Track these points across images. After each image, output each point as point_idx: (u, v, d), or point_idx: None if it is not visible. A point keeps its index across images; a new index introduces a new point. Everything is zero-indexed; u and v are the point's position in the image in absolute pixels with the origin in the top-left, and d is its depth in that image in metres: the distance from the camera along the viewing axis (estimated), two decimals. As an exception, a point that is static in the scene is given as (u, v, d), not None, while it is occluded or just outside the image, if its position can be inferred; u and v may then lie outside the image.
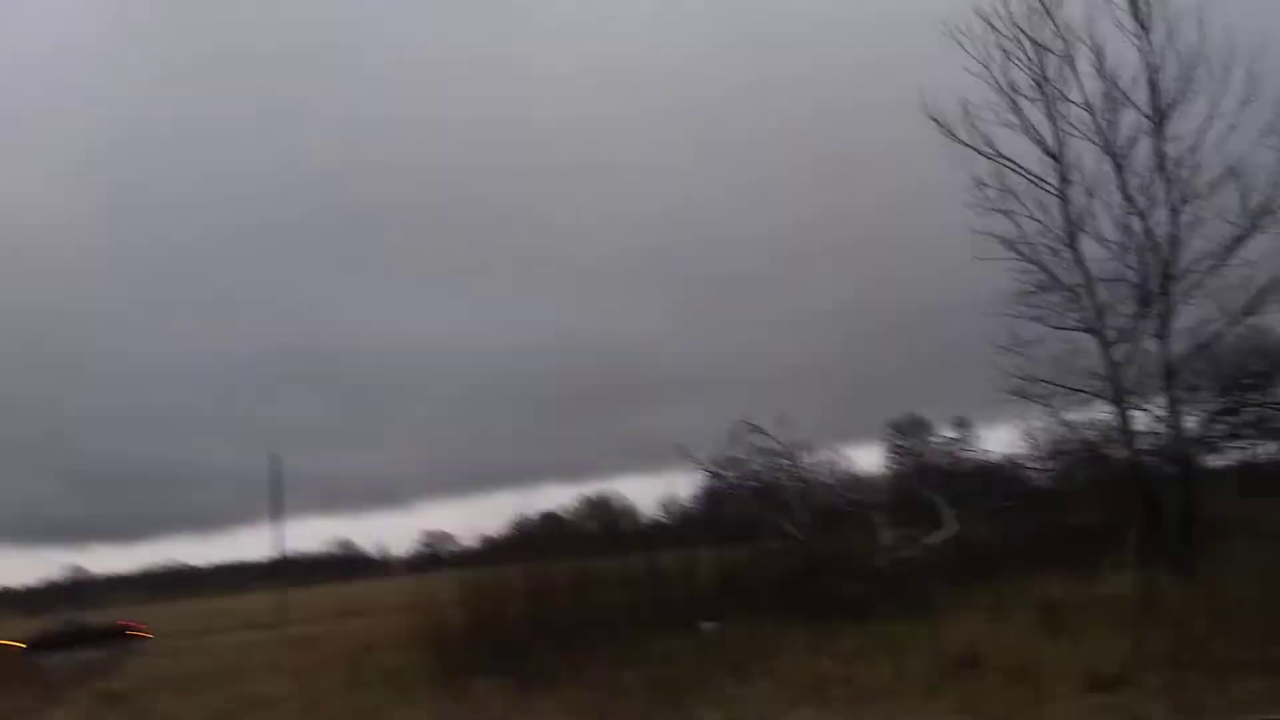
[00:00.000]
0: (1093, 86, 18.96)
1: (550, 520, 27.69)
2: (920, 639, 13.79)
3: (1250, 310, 18.44)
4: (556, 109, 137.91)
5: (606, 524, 27.39)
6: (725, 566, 21.24)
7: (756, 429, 21.41)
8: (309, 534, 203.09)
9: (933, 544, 20.24)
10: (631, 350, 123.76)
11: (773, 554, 20.58)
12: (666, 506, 23.90)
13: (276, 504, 51.87)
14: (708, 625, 18.01)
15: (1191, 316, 18.70)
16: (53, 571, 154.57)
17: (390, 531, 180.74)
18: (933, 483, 23.68)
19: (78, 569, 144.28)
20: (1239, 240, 18.09)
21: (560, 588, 18.22)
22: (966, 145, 19.78)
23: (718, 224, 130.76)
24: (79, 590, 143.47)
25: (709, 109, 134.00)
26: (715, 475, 22.50)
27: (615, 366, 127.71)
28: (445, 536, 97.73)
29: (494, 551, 20.40)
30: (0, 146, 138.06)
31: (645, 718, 10.59)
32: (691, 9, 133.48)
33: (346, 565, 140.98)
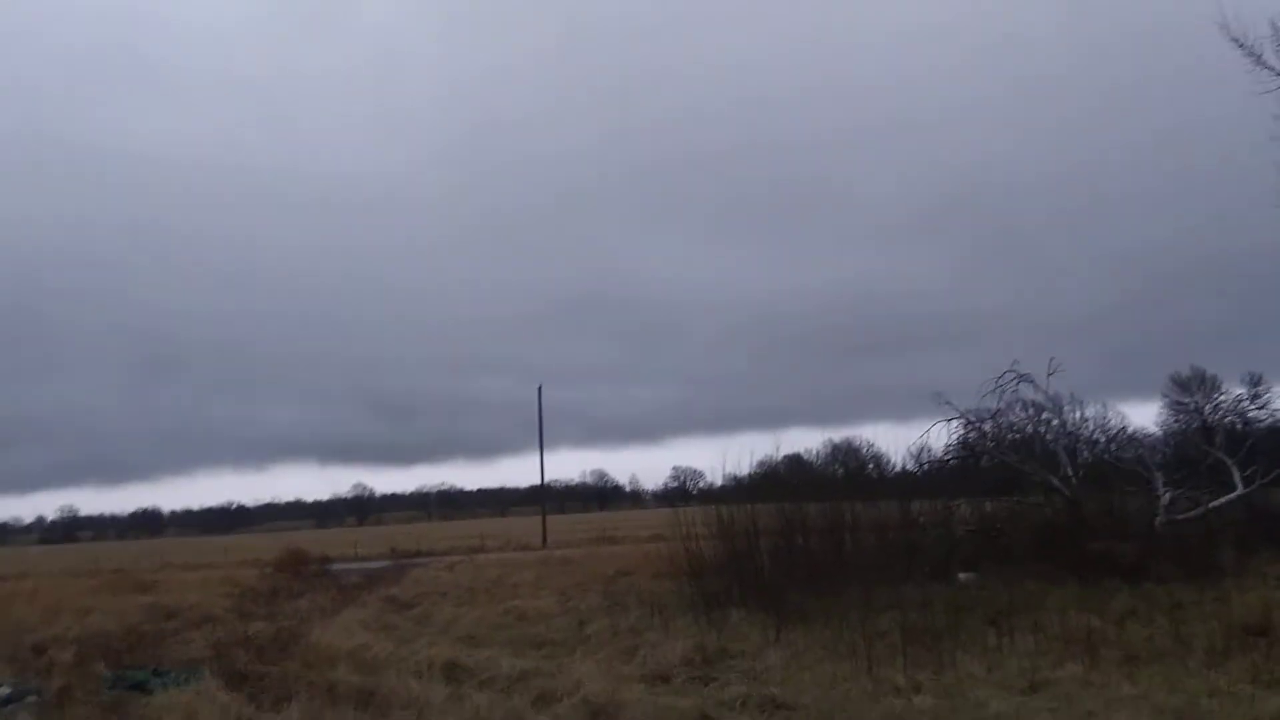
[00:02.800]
0: None
1: (796, 463, 27.69)
2: (1203, 604, 12.99)
3: None
4: (865, 70, 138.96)
5: (854, 470, 27.08)
6: (984, 518, 20.67)
7: (1024, 378, 20.50)
8: (570, 463, 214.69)
9: (1219, 507, 18.79)
10: (903, 302, 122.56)
11: (1036, 508, 19.80)
12: (919, 456, 23.34)
13: (541, 434, 55.10)
14: (965, 575, 17.67)
15: None
16: (343, 487, 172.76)
17: (643, 465, 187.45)
18: (1219, 442, 21.83)
19: (363, 486, 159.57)
20: None
21: (812, 528, 18.33)
22: (1276, 72, 17.82)
23: (1011, 171, 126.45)
24: (363, 505, 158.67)
25: (995, 58, 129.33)
26: (974, 426, 21.77)
27: (884, 317, 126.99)
28: (694, 472, 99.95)
29: (740, 490, 20.65)
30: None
31: (905, 661, 10.57)
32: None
33: (601, 495, 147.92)
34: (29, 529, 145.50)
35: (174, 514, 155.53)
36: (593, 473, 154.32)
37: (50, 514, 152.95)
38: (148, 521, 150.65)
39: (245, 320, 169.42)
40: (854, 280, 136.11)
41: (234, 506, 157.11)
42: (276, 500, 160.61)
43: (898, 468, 23.56)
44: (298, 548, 40.36)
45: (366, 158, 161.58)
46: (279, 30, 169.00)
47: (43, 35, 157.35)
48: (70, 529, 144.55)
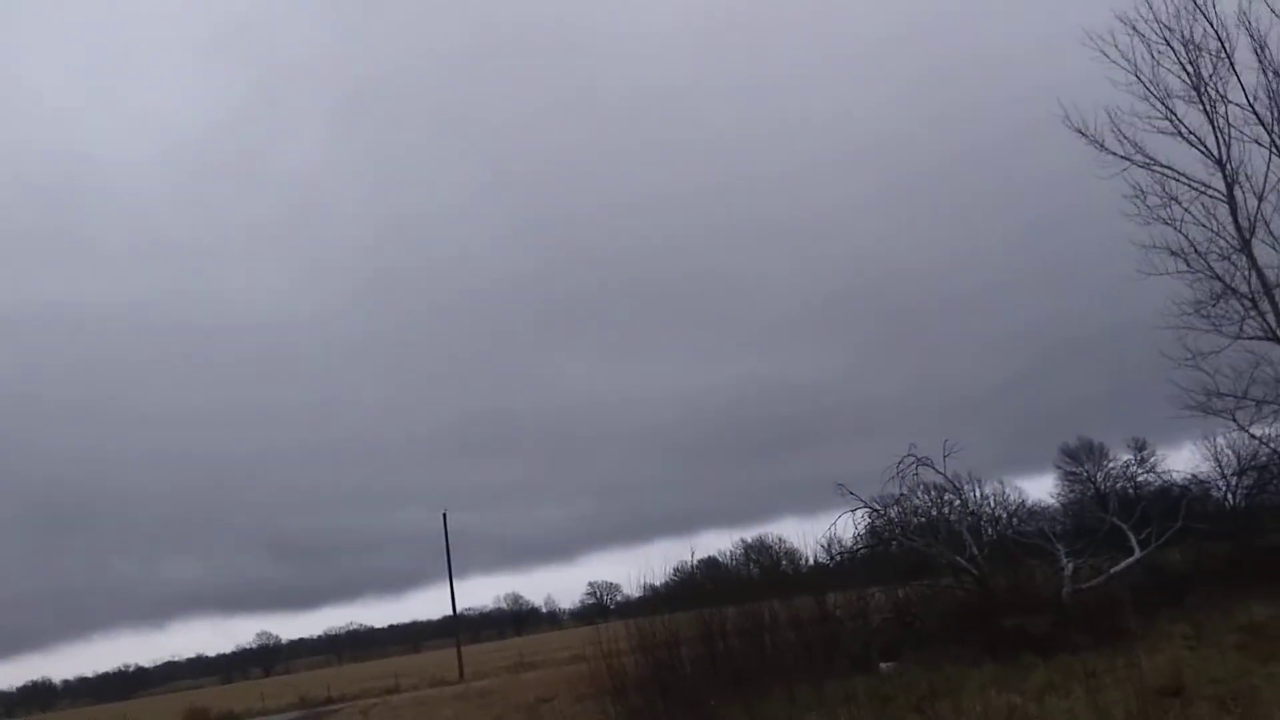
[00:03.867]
0: (1253, 81, 18.09)
1: (711, 566, 27.62)
2: (1115, 670, 13.21)
3: None
4: (740, 169, 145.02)
5: (768, 568, 27.11)
6: (898, 605, 20.82)
7: (923, 462, 20.94)
8: (484, 590, 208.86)
9: (1120, 572, 19.32)
10: (798, 397, 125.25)
11: (947, 590, 20.03)
12: (829, 548, 23.50)
13: (450, 562, 53.79)
14: (886, 665, 17.67)
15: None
16: (246, 638, 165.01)
17: (558, 585, 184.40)
18: (1113, 508, 22.57)
19: (268, 635, 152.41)
20: None
21: (732, 631, 18.19)
22: (1118, 156, 19.19)
23: (898, 261, 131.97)
24: (269, 655, 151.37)
25: (874, 155, 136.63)
26: (879, 513, 22.07)
27: (780, 414, 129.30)
28: (611, 587, 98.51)
29: (658, 600, 20.46)
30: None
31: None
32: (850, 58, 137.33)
33: (517, 619, 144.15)
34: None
35: (67, 683, 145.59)
36: (507, 597, 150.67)
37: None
38: (38, 694, 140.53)
39: (145, 471, 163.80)
40: (754, 377, 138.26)
41: (131, 669, 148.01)
42: (177, 658, 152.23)
43: (810, 561, 23.66)
44: (200, 707, 38.24)
45: (289, 303, 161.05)
46: (202, 191, 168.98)
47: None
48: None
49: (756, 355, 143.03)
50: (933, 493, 22.44)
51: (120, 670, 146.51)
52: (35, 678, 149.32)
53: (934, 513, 22.53)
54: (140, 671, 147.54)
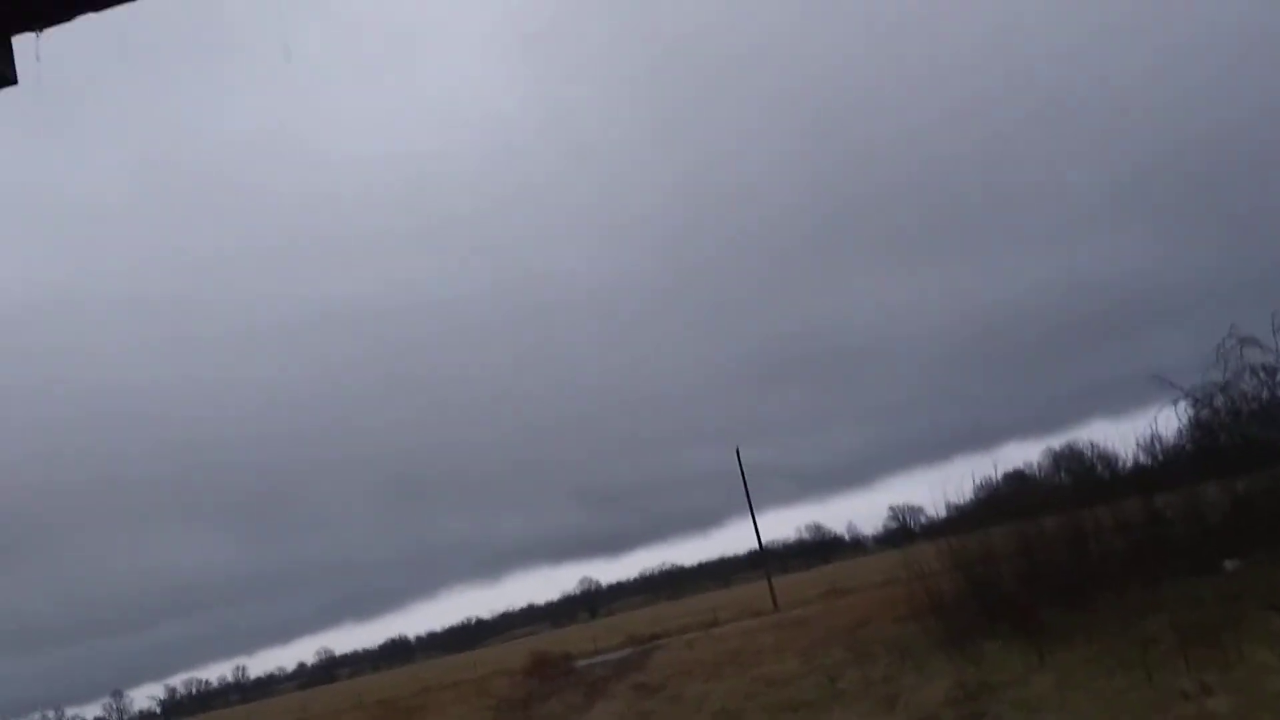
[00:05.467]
0: None
1: (1018, 480, 26.60)
2: None
3: None
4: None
5: (1080, 475, 25.73)
6: (1236, 499, 19.22)
7: (1248, 341, 19.10)
8: (785, 522, 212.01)
9: None
10: (1100, 293, 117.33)
11: (1294, 479, 18.27)
12: (1149, 447, 21.94)
13: (749, 497, 54.97)
14: (1231, 563, 16.46)
15: None
16: (570, 585, 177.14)
17: (858, 511, 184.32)
18: None
19: (589, 580, 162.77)
20: None
21: (1053, 543, 17.54)
22: None
23: (1189, 124, 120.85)
24: (593, 599, 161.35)
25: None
26: (1204, 404, 20.38)
27: (1081, 311, 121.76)
28: (913, 509, 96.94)
29: (964, 519, 20.03)
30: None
31: (1188, 661, 9.94)
32: None
33: (822, 548, 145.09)
34: (292, 677, 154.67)
35: (419, 639, 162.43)
36: (808, 527, 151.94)
37: (310, 659, 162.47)
38: (397, 650, 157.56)
39: (468, 446, 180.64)
40: (1050, 277, 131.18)
41: (473, 622, 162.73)
42: (511, 608, 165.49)
43: (1129, 464, 22.25)
44: (541, 651, 41.36)
45: (597, 270, 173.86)
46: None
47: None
48: (329, 670, 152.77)
49: (1052, 254, 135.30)
50: (1263, 374, 20.45)
51: (463, 624, 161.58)
52: (393, 635, 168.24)
53: (1267, 395, 20.55)
54: (481, 623, 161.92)
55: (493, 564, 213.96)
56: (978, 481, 24.01)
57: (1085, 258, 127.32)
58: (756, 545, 57.85)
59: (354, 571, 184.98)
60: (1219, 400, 20.46)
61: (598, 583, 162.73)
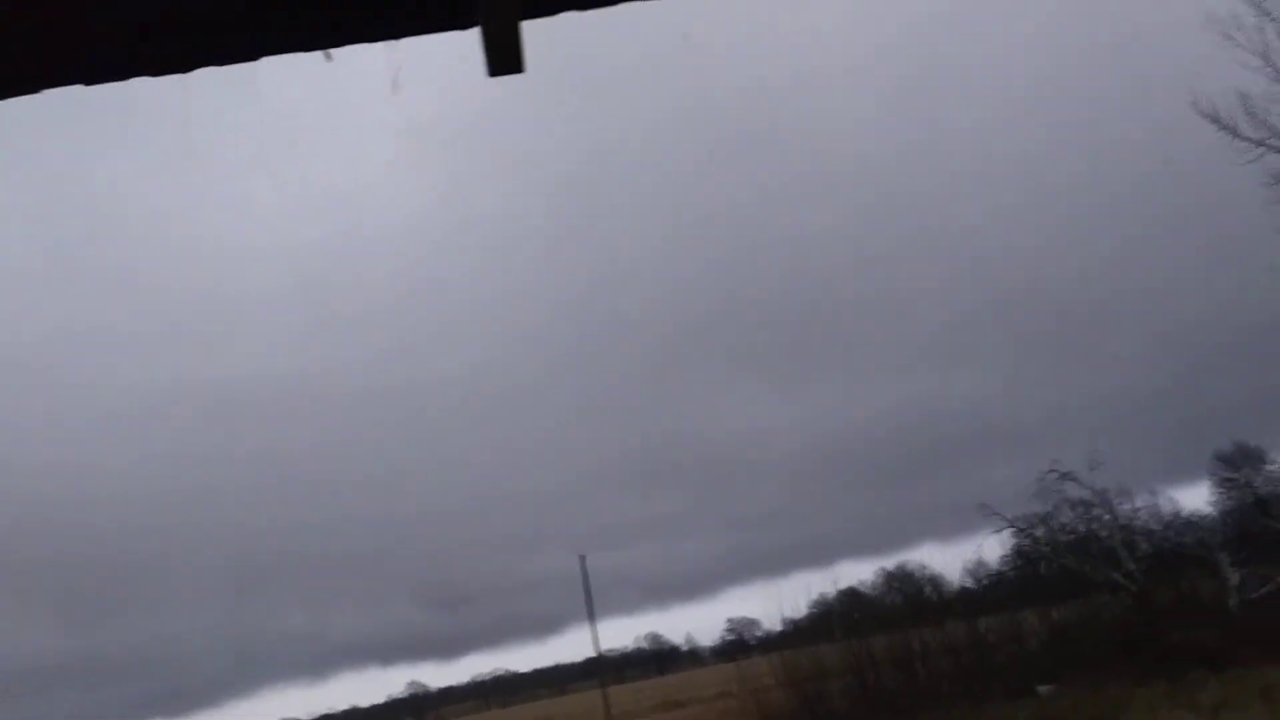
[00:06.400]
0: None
1: (853, 597, 27.16)
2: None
3: None
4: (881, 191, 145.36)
5: (910, 595, 26.51)
6: (1053, 627, 20.12)
7: (1067, 476, 20.28)
8: (624, 630, 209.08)
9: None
10: (937, 420, 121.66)
11: (1104, 608, 19.29)
12: (974, 572, 22.89)
13: (590, 604, 54.21)
14: (1044, 689, 17.09)
15: None
16: (397, 688, 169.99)
17: (696, 622, 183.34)
18: (1278, 514, 21.40)
19: (418, 684, 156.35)
20: None
21: (882, 663, 17.90)
22: (1253, 142, 18.38)
23: (1043, 268, 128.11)
24: (420, 704, 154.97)
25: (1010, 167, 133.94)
26: (1025, 533, 21.43)
27: (919, 438, 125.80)
28: (749, 622, 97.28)
29: (798, 634, 20.31)
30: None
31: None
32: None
33: (659, 658, 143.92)
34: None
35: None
36: (647, 636, 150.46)
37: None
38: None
39: (311, 533, 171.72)
40: (895, 403, 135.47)
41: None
42: (332, 711, 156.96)
43: (956, 587, 23.09)
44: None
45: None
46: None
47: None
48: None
49: (901, 381, 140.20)
50: (1080, 508, 21.69)
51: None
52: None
53: (1083, 529, 21.76)
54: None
55: (321, 662, 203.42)
56: (813, 597, 24.47)
57: (927, 386, 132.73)
58: (594, 653, 56.85)
59: (173, 664, 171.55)
60: (1039, 530, 21.55)
61: (426, 687, 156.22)
